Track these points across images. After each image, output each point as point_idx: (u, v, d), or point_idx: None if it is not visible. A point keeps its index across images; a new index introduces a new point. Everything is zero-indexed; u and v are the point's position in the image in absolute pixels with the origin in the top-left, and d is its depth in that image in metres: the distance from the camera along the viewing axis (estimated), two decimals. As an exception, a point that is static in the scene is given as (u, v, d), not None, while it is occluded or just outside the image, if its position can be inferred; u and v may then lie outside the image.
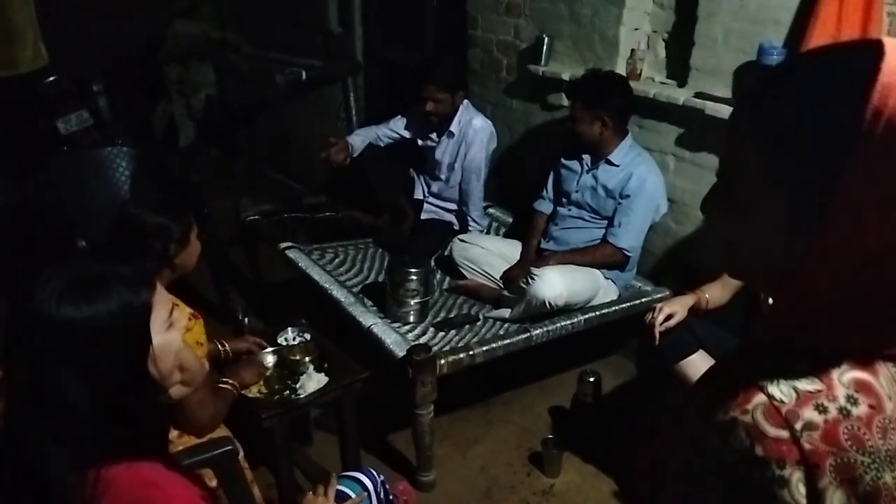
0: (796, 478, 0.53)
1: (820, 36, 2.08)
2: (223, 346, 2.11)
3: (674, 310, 2.18)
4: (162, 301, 1.08)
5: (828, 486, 0.53)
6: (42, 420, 0.95)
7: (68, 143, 4.12)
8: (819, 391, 0.55)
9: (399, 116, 3.43)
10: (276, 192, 4.74)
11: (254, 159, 5.41)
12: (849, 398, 0.55)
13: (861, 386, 0.56)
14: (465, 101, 3.22)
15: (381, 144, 3.45)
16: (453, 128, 3.20)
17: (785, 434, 0.54)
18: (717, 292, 2.26)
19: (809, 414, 0.54)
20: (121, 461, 0.98)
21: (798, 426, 0.54)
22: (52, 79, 4.21)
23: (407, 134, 3.41)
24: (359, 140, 3.39)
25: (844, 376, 0.56)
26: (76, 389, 0.96)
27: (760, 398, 0.55)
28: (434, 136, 3.30)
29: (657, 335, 2.17)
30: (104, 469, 0.95)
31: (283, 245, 3.14)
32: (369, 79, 4.66)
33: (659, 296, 2.78)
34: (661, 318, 2.16)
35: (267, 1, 5.22)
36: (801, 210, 0.56)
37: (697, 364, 2.16)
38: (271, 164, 5.32)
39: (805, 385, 0.56)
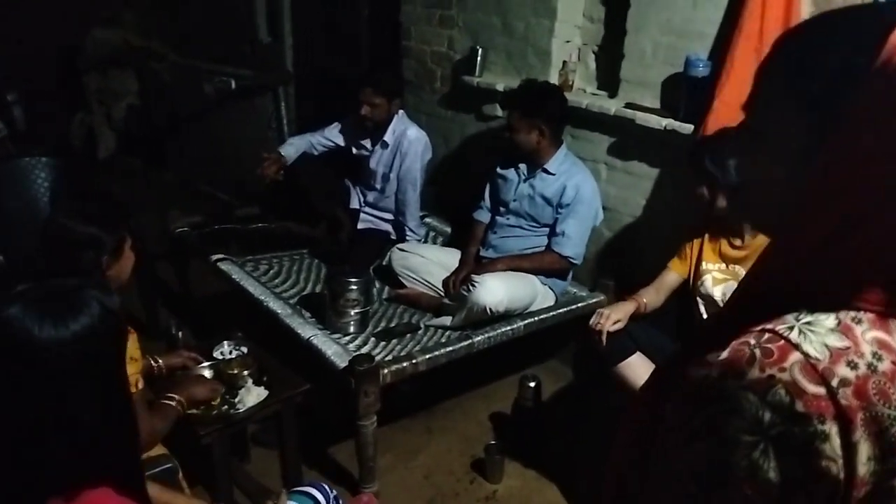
0: (834, 432, 0.55)
1: (744, 49, 2.19)
2: (156, 361, 2.04)
3: (618, 317, 2.24)
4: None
5: (860, 440, 0.56)
6: (16, 447, 0.93)
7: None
8: (848, 348, 0.58)
9: (334, 124, 3.40)
10: (206, 204, 4.62)
11: (180, 170, 5.25)
12: (874, 355, 0.58)
13: (882, 344, 0.59)
14: (401, 112, 3.22)
15: (316, 153, 3.42)
16: (387, 137, 3.20)
17: (822, 391, 0.56)
18: (652, 296, 2.34)
19: (843, 370, 0.57)
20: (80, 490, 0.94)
21: (834, 383, 0.56)
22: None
23: (341, 142, 3.39)
24: (292, 150, 3.35)
25: (867, 335, 0.59)
26: (62, 410, 0.95)
27: (796, 356, 0.57)
28: (368, 144, 3.29)
29: (604, 339, 2.21)
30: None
31: (215, 257, 3.05)
32: (301, 88, 4.60)
33: (594, 301, 2.84)
34: (608, 323, 2.21)
35: (193, 9, 5.10)
36: (813, 134, 0.62)
37: (636, 366, 2.23)
38: (200, 175, 5.17)
39: (835, 342, 0.58)
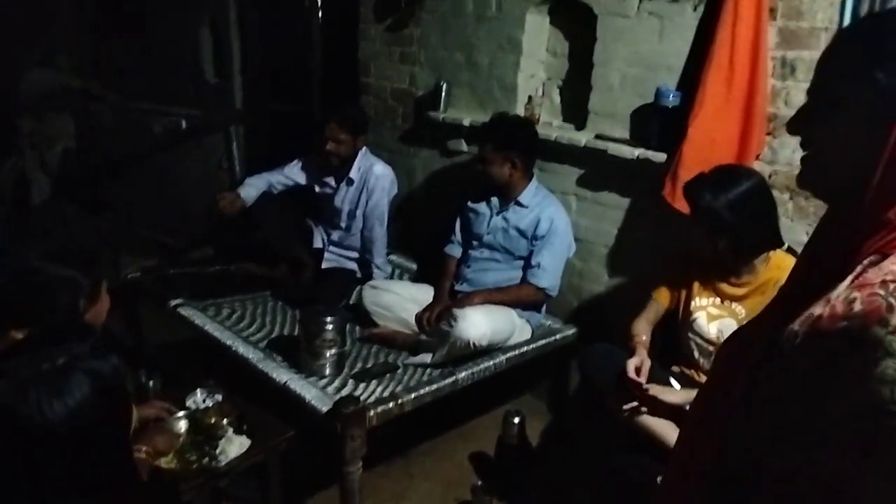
0: None
1: (715, 78, 2.25)
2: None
3: (638, 361, 2.09)
4: None
5: None
6: None
7: None
8: None
9: (295, 161, 3.32)
10: (149, 248, 4.41)
11: (120, 214, 5.02)
12: None
13: None
14: (364, 148, 3.18)
15: (275, 192, 3.32)
16: (353, 174, 3.14)
17: None
18: (646, 330, 2.25)
19: None
20: None
21: None
22: None
23: (303, 180, 3.31)
24: (253, 190, 3.24)
25: None
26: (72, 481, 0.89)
27: None
28: (332, 182, 3.22)
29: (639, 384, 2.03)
30: None
31: (174, 302, 2.90)
32: (251, 128, 4.51)
33: (569, 332, 2.83)
34: (631, 370, 2.04)
35: (133, 50, 4.96)
36: (884, 104, 0.74)
37: None
38: (141, 219, 4.96)
39: None
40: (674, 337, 2.31)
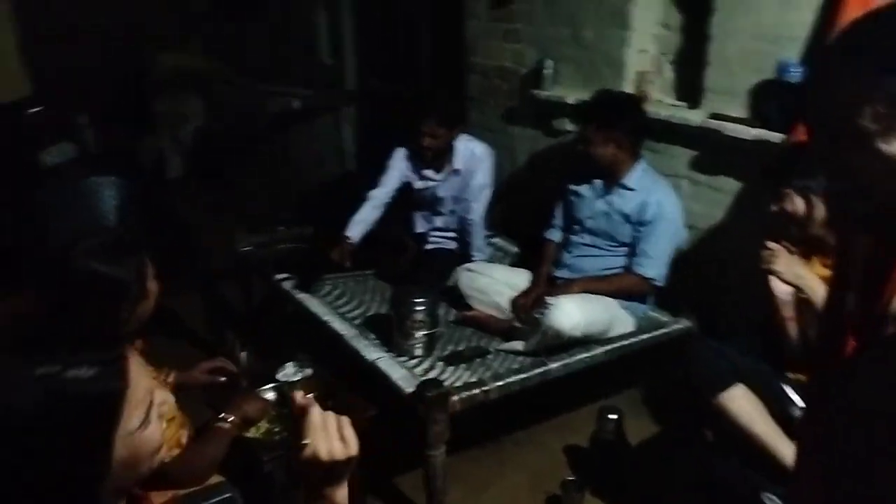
0: None
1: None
2: (168, 376, 1.86)
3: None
4: (138, 396, 0.85)
5: None
6: None
7: (52, 175, 3.98)
8: None
9: (389, 170, 3.18)
10: (268, 224, 4.59)
11: (243, 190, 5.27)
12: None
13: None
14: (462, 136, 3.11)
15: (380, 213, 3.20)
16: (458, 165, 3.07)
17: None
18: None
19: None
20: None
21: None
22: (36, 110, 4.09)
23: (402, 181, 3.20)
24: (362, 227, 3.11)
25: None
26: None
27: None
28: (432, 174, 3.15)
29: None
30: None
31: (279, 277, 2.99)
32: (362, 108, 4.57)
33: (678, 326, 2.65)
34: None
35: (256, 33, 5.16)
36: None
37: (738, 398, 1.99)
38: (262, 196, 5.18)
39: None
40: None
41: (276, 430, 1.93)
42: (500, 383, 2.21)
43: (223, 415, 1.77)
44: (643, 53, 2.85)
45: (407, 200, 3.37)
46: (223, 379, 1.99)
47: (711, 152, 2.59)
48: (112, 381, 0.82)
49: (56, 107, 4.18)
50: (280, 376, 2.11)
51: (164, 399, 1.01)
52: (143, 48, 5.24)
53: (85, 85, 4.57)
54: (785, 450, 1.90)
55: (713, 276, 2.70)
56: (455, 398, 2.10)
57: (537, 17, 3.12)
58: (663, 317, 2.74)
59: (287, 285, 2.93)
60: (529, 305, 2.61)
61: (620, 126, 2.51)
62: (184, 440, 1.57)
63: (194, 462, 1.56)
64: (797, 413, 1.91)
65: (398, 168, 3.19)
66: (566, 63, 3.06)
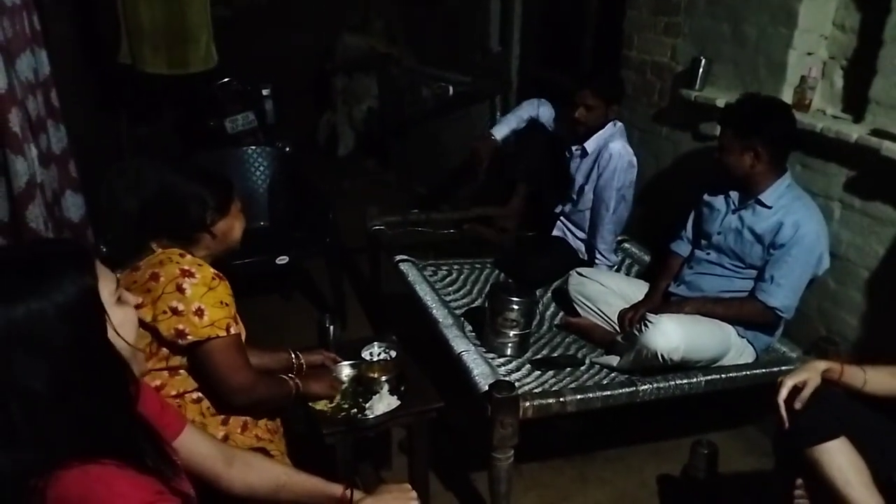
0: None
1: None
2: (298, 357, 2.04)
3: (801, 379, 1.76)
4: (105, 276, 1.03)
5: None
6: None
7: (233, 141, 4.38)
8: None
9: (550, 108, 3.25)
10: (416, 204, 4.72)
11: (403, 172, 5.45)
12: None
13: None
14: (618, 124, 2.97)
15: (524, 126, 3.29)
16: (588, 145, 2.95)
17: None
18: (885, 379, 1.78)
19: None
20: (72, 466, 0.92)
21: None
22: (224, 80, 4.51)
23: (550, 127, 3.22)
24: (505, 128, 3.26)
25: None
26: (33, 379, 0.92)
27: None
28: (573, 149, 3.06)
29: (785, 417, 1.76)
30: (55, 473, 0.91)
31: (398, 257, 3.05)
32: (522, 97, 4.51)
33: (805, 365, 2.34)
34: (784, 392, 1.75)
35: (434, 18, 5.28)
36: None
37: (836, 452, 1.71)
38: (418, 178, 5.32)
39: None
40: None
41: (346, 405, 1.98)
42: (580, 397, 2.09)
43: (290, 375, 1.87)
44: (809, 56, 2.52)
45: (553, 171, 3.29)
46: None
47: (869, 173, 2.24)
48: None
49: (243, 79, 4.58)
50: (364, 354, 2.16)
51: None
52: (330, 29, 5.57)
53: (272, 60, 4.96)
54: None
55: (857, 312, 2.35)
56: (527, 404, 2.03)
57: (699, 10, 2.87)
58: (792, 352, 2.44)
59: (403, 266, 2.98)
60: (635, 320, 2.44)
61: (760, 134, 2.24)
62: (231, 329, 1.65)
63: (237, 372, 1.64)
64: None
65: (555, 119, 3.20)
66: (723, 62, 2.79)
